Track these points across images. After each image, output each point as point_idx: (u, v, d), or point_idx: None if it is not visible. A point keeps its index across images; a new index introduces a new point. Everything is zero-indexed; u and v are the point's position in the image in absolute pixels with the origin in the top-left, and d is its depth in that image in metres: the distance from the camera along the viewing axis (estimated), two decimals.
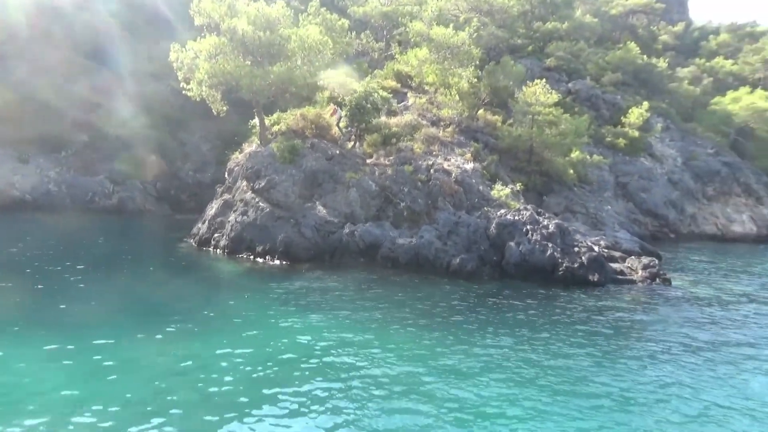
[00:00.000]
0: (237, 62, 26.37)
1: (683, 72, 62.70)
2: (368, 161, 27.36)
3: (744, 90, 54.73)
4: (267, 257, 22.20)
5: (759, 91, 53.66)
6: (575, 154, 34.67)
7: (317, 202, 24.01)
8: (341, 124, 29.38)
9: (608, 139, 43.25)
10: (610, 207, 34.33)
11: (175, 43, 27.39)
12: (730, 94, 54.53)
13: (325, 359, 11.80)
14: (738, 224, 45.61)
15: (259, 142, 28.95)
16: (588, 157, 36.59)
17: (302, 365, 11.42)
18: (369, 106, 25.82)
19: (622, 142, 42.96)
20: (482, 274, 20.56)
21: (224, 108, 28.52)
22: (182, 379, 10.47)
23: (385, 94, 28.19)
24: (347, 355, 12.07)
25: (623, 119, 44.38)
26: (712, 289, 21.44)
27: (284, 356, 11.90)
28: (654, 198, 41.72)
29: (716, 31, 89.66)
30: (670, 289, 20.77)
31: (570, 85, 48.13)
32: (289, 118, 29.49)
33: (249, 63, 26.87)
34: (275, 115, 30.33)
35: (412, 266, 21.21)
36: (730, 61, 75.48)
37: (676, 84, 56.01)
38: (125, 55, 46.75)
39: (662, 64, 54.22)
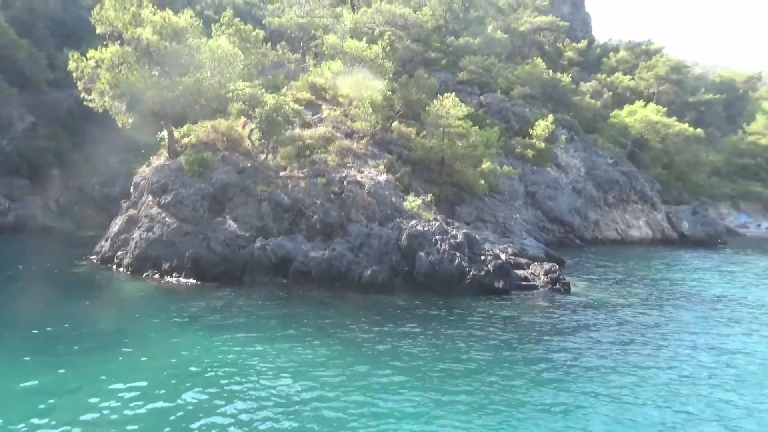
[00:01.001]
0: (142, 73, 25.45)
1: (586, 86, 66.90)
2: (281, 174, 27.16)
3: (639, 104, 59.15)
4: (174, 275, 21.49)
5: (651, 105, 58.18)
6: (486, 165, 36.01)
7: (227, 216, 23.56)
8: (254, 137, 29.03)
9: (518, 150, 45.30)
10: (518, 215, 35.88)
11: (74, 52, 26.09)
12: (627, 108, 58.76)
13: (223, 383, 11.57)
14: (635, 229, 49.08)
15: (168, 155, 28.04)
16: (498, 167, 38.14)
17: (195, 393, 11.11)
18: (280, 118, 25.65)
19: (530, 153, 45.12)
20: (393, 286, 20.92)
21: (129, 120, 27.38)
22: (56, 415, 9.78)
23: (296, 106, 28.13)
24: (244, 376, 11.92)
25: (531, 131, 46.63)
26: (607, 293, 22.94)
27: (177, 384, 11.53)
28: (560, 206, 44.04)
29: (616, 49, 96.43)
30: (569, 294, 22.00)
31: (482, 98, 50.09)
32: (200, 130, 28.78)
33: (156, 74, 26.02)
34: (185, 127, 29.49)
35: (324, 280, 21.22)
36: (628, 76, 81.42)
37: (579, 98, 59.61)
38: (23, 62, 43.97)
39: (566, 79, 57.51)
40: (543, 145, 45.76)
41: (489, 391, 11.48)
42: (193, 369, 12.23)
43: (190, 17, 28.87)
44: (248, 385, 11.32)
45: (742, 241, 61.49)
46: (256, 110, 25.87)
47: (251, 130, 27.92)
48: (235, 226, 23.16)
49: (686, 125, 56.16)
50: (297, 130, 30.79)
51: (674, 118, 58.42)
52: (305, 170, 27.07)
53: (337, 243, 22.19)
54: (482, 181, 34.97)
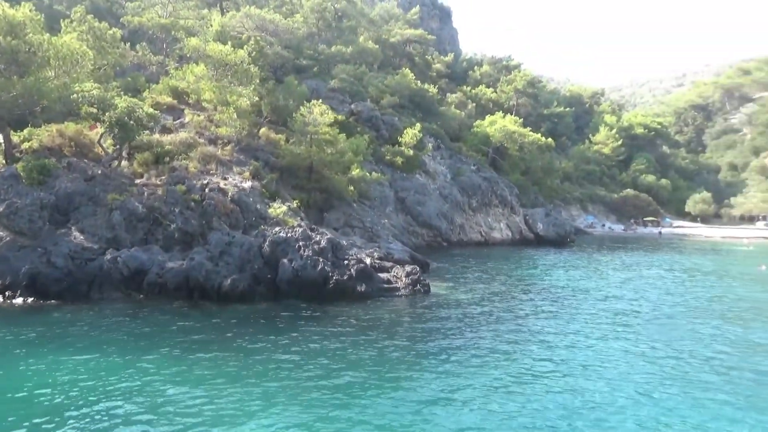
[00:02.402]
0: None
1: (452, 97, 70.61)
2: (137, 181, 25.68)
3: (498, 115, 63.57)
4: (8, 293, 19.40)
5: (509, 116, 62.77)
6: (356, 172, 36.73)
7: (73, 228, 21.77)
8: (107, 143, 27.17)
9: (387, 157, 46.70)
10: (386, 221, 36.97)
11: None
12: (489, 118, 62.90)
13: (57, 409, 10.70)
14: (497, 231, 52.59)
15: (4, 161, 25.34)
16: (368, 174, 39.05)
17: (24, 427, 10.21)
18: (132, 123, 24.25)
19: (399, 160, 46.71)
20: (255, 294, 20.58)
21: None
22: None
23: (151, 110, 26.74)
24: (81, 399, 11.12)
25: (400, 139, 48.30)
26: (464, 292, 24.35)
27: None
28: (428, 211, 46.03)
29: (480, 63, 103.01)
30: (429, 295, 23.06)
31: (353, 106, 50.98)
32: (44, 134, 26.39)
33: None
34: (26, 131, 26.87)
35: (182, 291, 20.35)
36: (491, 89, 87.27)
37: (445, 108, 62.78)
38: None
39: (432, 90, 60.33)
40: (411, 152, 47.59)
41: (346, 391, 11.71)
42: (20, 396, 11.17)
43: (30, 11, 26.47)
44: (85, 410, 10.54)
45: (589, 239, 68.23)
46: (106, 114, 24.21)
47: (101, 135, 26.08)
48: (82, 237, 21.46)
49: (539, 135, 61.34)
50: (156, 136, 29.34)
51: (529, 128, 63.50)
52: (164, 177, 25.84)
53: (195, 252, 21.38)
54: (351, 188, 35.60)
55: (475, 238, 50.32)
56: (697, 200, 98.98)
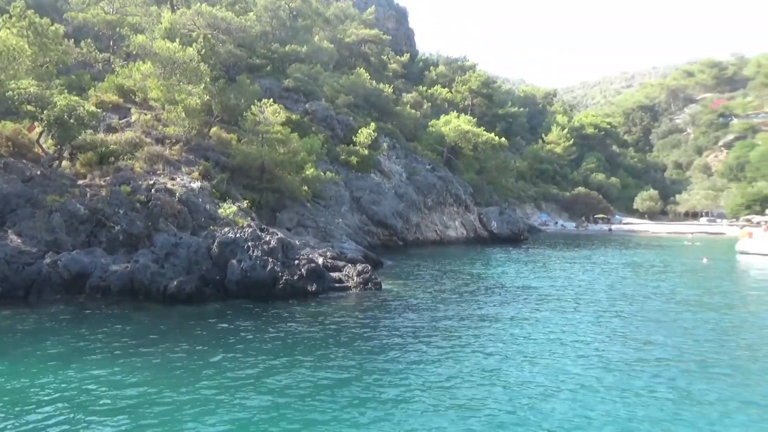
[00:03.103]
0: None
1: (407, 97, 71.08)
2: (80, 182, 24.90)
3: (453, 114, 64.35)
4: None
5: (463, 116, 63.63)
6: (310, 172, 36.52)
7: (9, 231, 20.92)
8: (46, 143, 26.23)
9: (342, 157, 46.64)
10: (341, 220, 36.93)
11: None
12: (443, 118, 63.60)
13: None
14: (452, 229, 53.27)
15: None
16: (322, 174, 38.89)
17: None
18: (73, 121, 23.48)
19: (354, 159, 46.72)
20: (203, 296, 20.25)
21: None
22: None
23: (93, 108, 25.95)
24: (10, 409, 10.74)
25: (355, 138, 48.32)
26: (415, 289, 24.58)
27: None
28: (384, 210, 46.19)
29: (436, 63, 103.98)
30: (380, 292, 23.19)
31: (307, 105, 50.70)
32: None
33: None
34: None
35: (126, 294, 19.86)
36: (446, 89, 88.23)
37: (401, 108, 63.13)
38: None
39: (388, 89, 60.55)
40: (366, 152, 47.66)
41: (283, 391, 11.65)
42: None
43: None
44: (13, 420, 10.16)
45: (542, 236, 69.95)
46: (45, 112, 23.38)
47: (40, 135, 25.17)
48: (19, 241, 20.66)
49: (493, 135, 62.43)
50: (100, 135, 28.49)
51: (483, 128, 64.54)
52: (108, 178, 25.14)
53: (140, 254, 20.88)
54: (305, 188, 35.41)
55: (431, 237, 50.82)
56: (645, 198, 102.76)
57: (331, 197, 42.31)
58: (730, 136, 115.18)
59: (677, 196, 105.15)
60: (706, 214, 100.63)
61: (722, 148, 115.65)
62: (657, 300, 23.67)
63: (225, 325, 17.10)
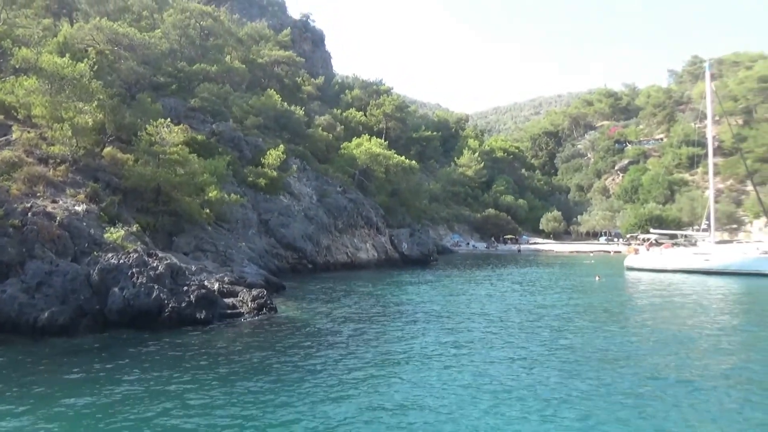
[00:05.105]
0: None
1: (320, 120, 71.22)
2: None
3: (365, 137, 65.16)
4: None
5: (375, 139, 64.56)
6: (213, 194, 35.47)
7: None
8: None
9: (250, 178, 45.83)
10: (244, 244, 36.09)
11: None
12: (355, 141, 64.24)
13: None
14: (363, 252, 53.46)
15: None
16: (226, 196, 37.91)
17: None
18: None
19: (262, 181, 46.02)
20: (79, 327, 18.97)
21: None
22: None
23: None
24: None
25: (263, 160, 47.65)
26: (313, 313, 24.31)
27: None
28: (293, 233, 45.67)
29: (352, 86, 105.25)
30: (275, 317, 22.73)
31: (214, 126, 49.56)
32: None
33: None
34: None
35: None
36: (361, 112, 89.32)
37: (312, 130, 63.13)
38: None
39: (299, 111, 60.45)
40: (275, 173, 47.10)
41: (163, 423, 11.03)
42: None
43: None
44: None
45: (454, 257, 71.78)
46: None
47: None
48: None
49: (403, 158, 63.69)
50: None
51: (394, 151, 65.73)
52: None
53: (9, 284, 19.29)
54: (207, 210, 34.33)
55: (342, 260, 50.70)
56: (550, 218, 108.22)
57: (238, 220, 41.35)
58: (625, 161, 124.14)
59: (579, 217, 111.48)
60: (605, 234, 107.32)
61: (618, 172, 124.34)
62: (550, 317, 24.76)
63: (97, 360, 16.03)
